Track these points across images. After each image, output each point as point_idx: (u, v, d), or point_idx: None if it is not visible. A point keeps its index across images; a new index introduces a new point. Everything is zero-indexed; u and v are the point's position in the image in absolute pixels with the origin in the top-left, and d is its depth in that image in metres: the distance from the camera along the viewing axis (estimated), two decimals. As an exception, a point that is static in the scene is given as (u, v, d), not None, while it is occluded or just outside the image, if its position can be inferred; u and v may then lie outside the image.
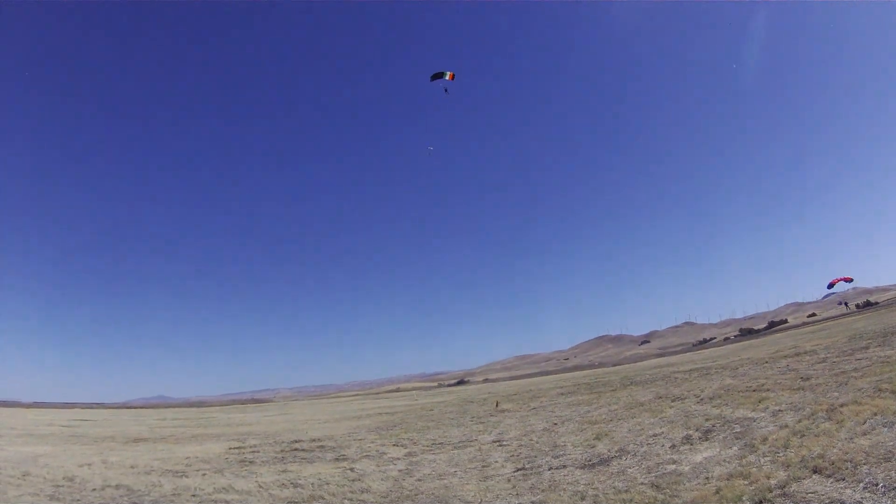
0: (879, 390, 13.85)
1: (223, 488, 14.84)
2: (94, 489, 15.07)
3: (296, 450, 23.15)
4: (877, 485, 7.59)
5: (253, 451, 23.40)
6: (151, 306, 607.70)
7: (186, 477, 17.01)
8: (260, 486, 14.84)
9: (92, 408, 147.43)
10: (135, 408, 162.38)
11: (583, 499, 10.31)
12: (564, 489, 11.32)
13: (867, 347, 25.43)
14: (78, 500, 13.74)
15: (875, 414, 11.38)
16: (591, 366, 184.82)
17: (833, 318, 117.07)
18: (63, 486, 15.64)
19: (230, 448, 25.36)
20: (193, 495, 14.02)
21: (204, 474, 17.47)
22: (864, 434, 10.18)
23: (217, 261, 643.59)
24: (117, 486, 15.37)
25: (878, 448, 9.09)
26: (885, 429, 10.13)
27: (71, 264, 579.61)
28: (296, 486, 14.74)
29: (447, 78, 36.61)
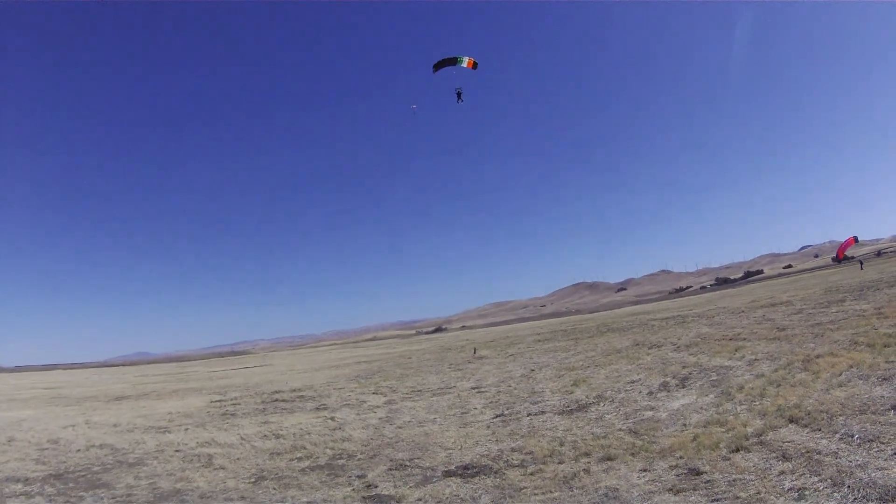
0: (855, 343, 14.07)
1: (206, 442, 14.78)
2: (79, 450, 14.89)
3: (276, 401, 23.22)
4: (852, 436, 7.66)
5: (234, 404, 23.41)
6: (128, 264, 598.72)
7: (169, 433, 16.94)
8: (242, 439, 14.80)
9: (73, 368, 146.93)
10: (115, 366, 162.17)
11: (562, 444, 10.35)
12: (543, 435, 11.40)
13: (843, 301, 25.92)
14: (63, 461, 13.53)
15: (851, 366, 11.52)
16: (567, 313, 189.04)
17: (809, 269, 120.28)
18: (48, 448, 15.44)
19: (211, 401, 25.36)
20: (177, 450, 13.93)
21: (186, 429, 17.42)
22: (840, 386, 10.30)
23: (194, 215, 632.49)
24: (101, 446, 15.22)
25: (853, 400, 9.20)
26: (861, 381, 10.26)
27: (46, 227, 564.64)
28: (277, 437, 14.74)
29: (465, 65, 23.30)
